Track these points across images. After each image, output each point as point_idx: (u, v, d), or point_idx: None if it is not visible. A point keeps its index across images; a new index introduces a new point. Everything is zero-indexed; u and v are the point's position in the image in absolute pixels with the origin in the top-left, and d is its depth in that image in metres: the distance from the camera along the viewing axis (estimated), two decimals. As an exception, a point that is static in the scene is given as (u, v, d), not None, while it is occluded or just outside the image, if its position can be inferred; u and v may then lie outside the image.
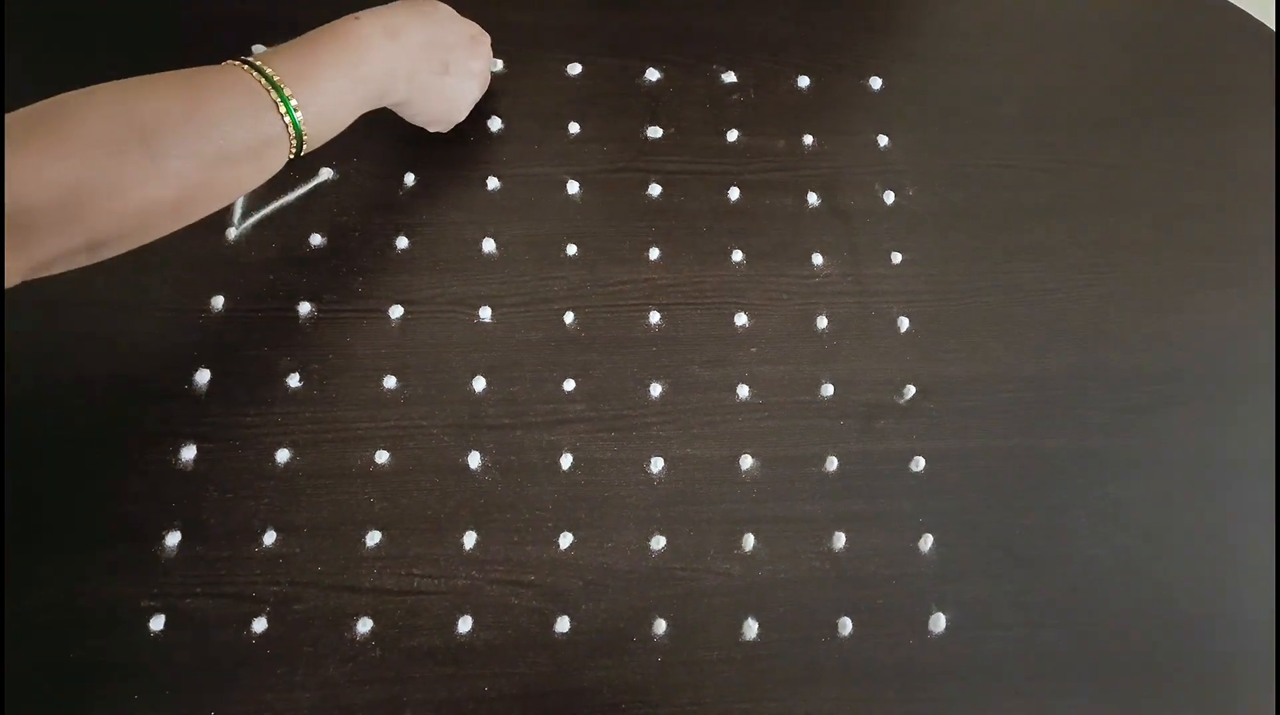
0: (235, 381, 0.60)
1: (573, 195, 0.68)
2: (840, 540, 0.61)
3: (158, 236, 0.49)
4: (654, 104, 0.71)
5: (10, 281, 0.45)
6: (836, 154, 0.71)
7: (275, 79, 0.50)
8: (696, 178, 0.69)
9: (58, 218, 0.44)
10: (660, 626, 0.58)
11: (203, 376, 0.60)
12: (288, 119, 0.51)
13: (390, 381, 0.62)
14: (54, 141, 0.44)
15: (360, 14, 0.57)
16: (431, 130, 0.66)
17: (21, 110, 0.45)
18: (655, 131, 0.70)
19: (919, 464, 0.63)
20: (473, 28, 0.64)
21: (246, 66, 0.50)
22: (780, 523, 0.61)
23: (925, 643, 0.59)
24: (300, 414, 0.60)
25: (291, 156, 0.53)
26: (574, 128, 0.70)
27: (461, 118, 0.66)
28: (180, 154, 0.47)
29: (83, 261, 0.48)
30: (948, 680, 0.59)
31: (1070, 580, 0.61)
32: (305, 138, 0.52)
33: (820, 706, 0.57)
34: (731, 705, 0.57)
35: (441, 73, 0.60)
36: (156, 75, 0.48)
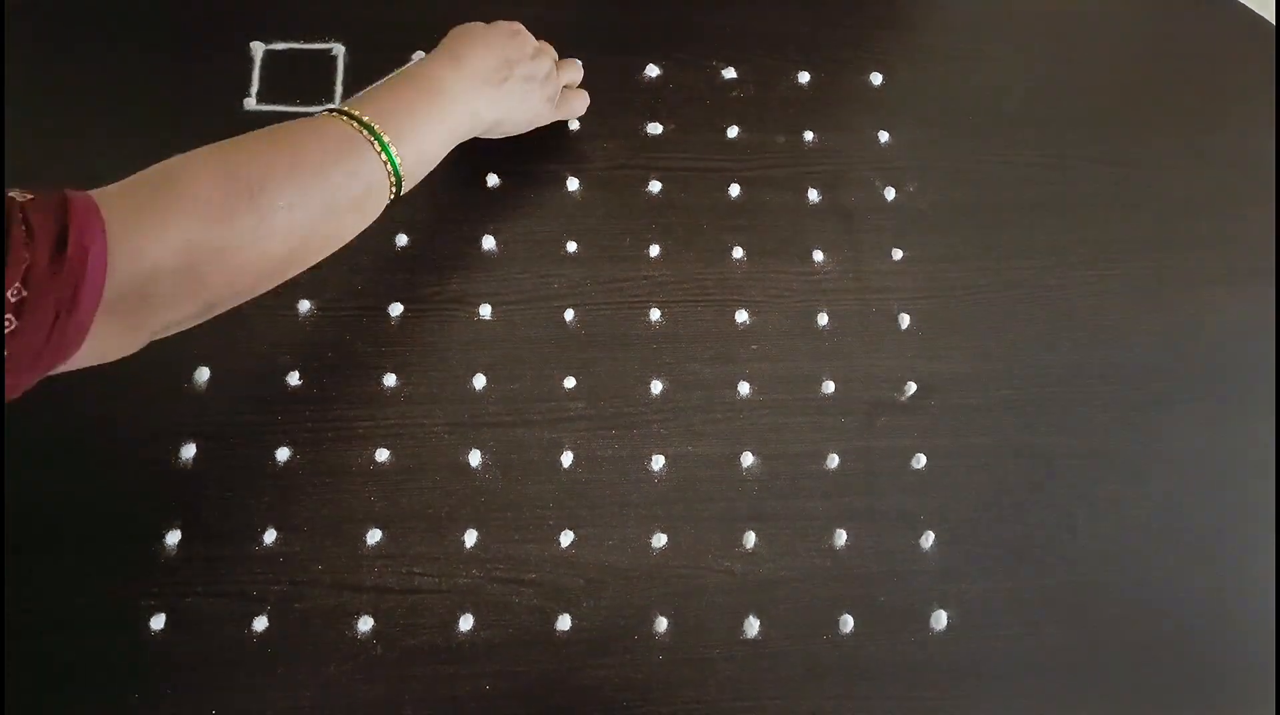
0: (235, 379, 0.60)
1: (573, 192, 0.68)
2: (841, 538, 0.61)
3: (266, 291, 0.50)
4: (654, 100, 0.71)
5: (132, 350, 0.46)
6: (837, 150, 0.71)
7: (371, 124, 0.51)
8: (697, 174, 0.69)
9: (176, 283, 0.44)
10: (661, 624, 0.58)
11: (202, 374, 0.60)
12: (387, 162, 0.52)
13: (390, 379, 0.61)
14: (166, 208, 0.44)
15: (433, 54, 0.59)
16: (504, 135, 0.65)
17: (127, 180, 0.45)
18: (656, 128, 0.70)
19: (920, 461, 0.63)
20: (536, 43, 0.64)
21: (340, 115, 0.51)
22: (781, 520, 0.61)
23: (926, 640, 0.59)
24: (300, 412, 0.60)
25: (390, 199, 0.54)
26: (574, 124, 0.69)
27: (529, 125, 0.65)
28: (288, 206, 0.47)
29: (195, 322, 0.48)
30: (949, 678, 0.59)
31: (1071, 578, 0.61)
32: (404, 179, 0.53)
33: (822, 704, 0.57)
34: (733, 703, 0.57)
35: (501, 83, 0.60)
36: (254, 133, 0.49)
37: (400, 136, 0.52)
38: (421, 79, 0.56)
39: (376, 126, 0.51)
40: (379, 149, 0.51)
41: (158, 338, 0.47)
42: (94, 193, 0.43)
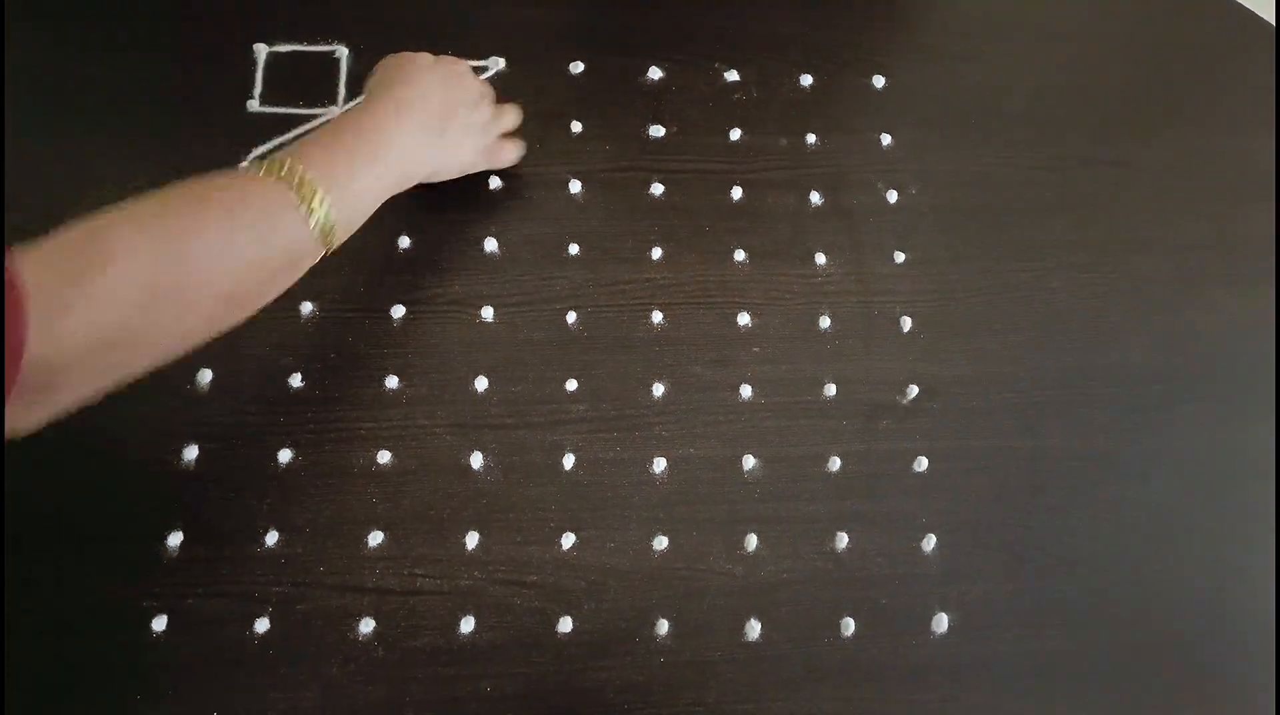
0: (237, 381, 0.60)
1: (575, 194, 0.68)
2: (843, 540, 0.61)
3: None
4: (657, 103, 0.71)
5: (35, 428, 0.42)
6: (839, 153, 0.71)
7: (304, 178, 0.49)
8: (699, 177, 0.69)
9: (93, 369, 0.42)
10: (663, 627, 0.58)
11: (205, 376, 0.60)
12: (320, 218, 0.50)
13: (392, 381, 0.61)
14: (92, 284, 0.41)
15: (376, 96, 0.57)
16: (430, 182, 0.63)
17: (47, 245, 0.41)
18: (658, 130, 0.70)
19: (922, 464, 0.63)
20: (479, 87, 0.63)
21: (274, 167, 0.50)
22: (783, 523, 0.61)
23: (928, 643, 0.59)
24: (302, 414, 0.60)
25: (324, 254, 0.52)
26: (576, 126, 0.69)
27: (459, 173, 0.63)
28: (220, 275, 0.46)
29: (106, 392, 0.45)
30: (950, 680, 0.59)
31: (1072, 580, 0.61)
32: (335, 234, 0.52)
33: (822, 707, 0.57)
34: (734, 705, 0.57)
35: (443, 132, 0.59)
36: (181, 190, 0.47)
37: (335, 189, 0.51)
38: (362, 127, 0.54)
39: (310, 178, 0.50)
40: (314, 204, 0.49)
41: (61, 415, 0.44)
42: (13, 258, 0.39)
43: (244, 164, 0.64)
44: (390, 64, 0.60)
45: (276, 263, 0.49)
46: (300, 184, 0.49)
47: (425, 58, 0.60)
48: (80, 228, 0.43)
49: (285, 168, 0.50)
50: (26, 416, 0.42)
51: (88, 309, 0.41)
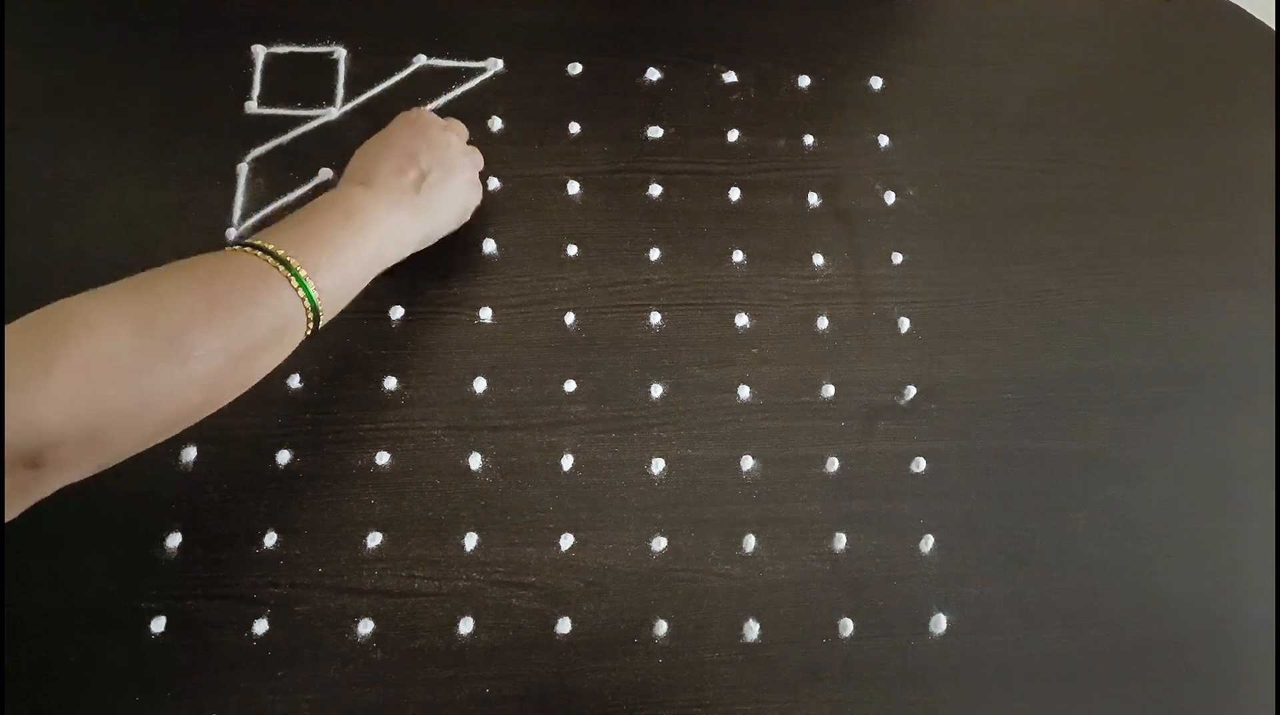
0: (235, 382, 0.60)
1: (573, 195, 0.68)
2: (841, 541, 0.61)
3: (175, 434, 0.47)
4: (655, 104, 0.71)
5: (15, 513, 0.42)
6: (837, 154, 0.71)
7: (286, 258, 0.49)
8: (697, 178, 0.69)
9: (83, 448, 0.41)
10: (661, 628, 0.58)
11: (203, 377, 0.60)
12: (304, 297, 0.49)
13: (391, 382, 0.61)
14: (76, 366, 0.40)
15: (342, 181, 0.56)
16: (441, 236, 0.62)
17: (27, 322, 0.40)
18: (656, 131, 0.70)
19: (920, 465, 0.63)
20: (448, 140, 0.60)
21: (254, 251, 0.49)
22: (781, 524, 0.61)
23: (926, 644, 0.59)
24: (301, 415, 0.60)
25: (309, 333, 0.51)
26: (575, 127, 0.70)
27: (461, 221, 0.63)
28: (207, 354, 0.44)
29: (93, 472, 0.44)
30: (948, 682, 0.59)
31: (1071, 582, 0.61)
32: (322, 312, 0.51)
33: (821, 708, 0.57)
34: (732, 707, 0.57)
35: (418, 190, 0.57)
36: (167, 271, 0.46)
37: (318, 268, 0.50)
38: (336, 204, 0.54)
39: (292, 261, 0.49)
40: (295, 284, 0.49)
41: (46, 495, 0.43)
42: None
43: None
44: (355, 155, 0.59)
45: (262, 341, 0.48)
46: (285, 263, 0.48)
47: (378, 135, 0.59)
48: (61, 303, 0.42)
49: (268, 248, 0.49)
50: (15, 498, 0.41)
51: (69, 378, 0.39)
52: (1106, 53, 0.78)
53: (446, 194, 0.59)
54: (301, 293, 0.49)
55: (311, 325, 0.51)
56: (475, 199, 0.63)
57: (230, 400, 0.49)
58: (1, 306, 0.60)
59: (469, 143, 0.64)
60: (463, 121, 0.65)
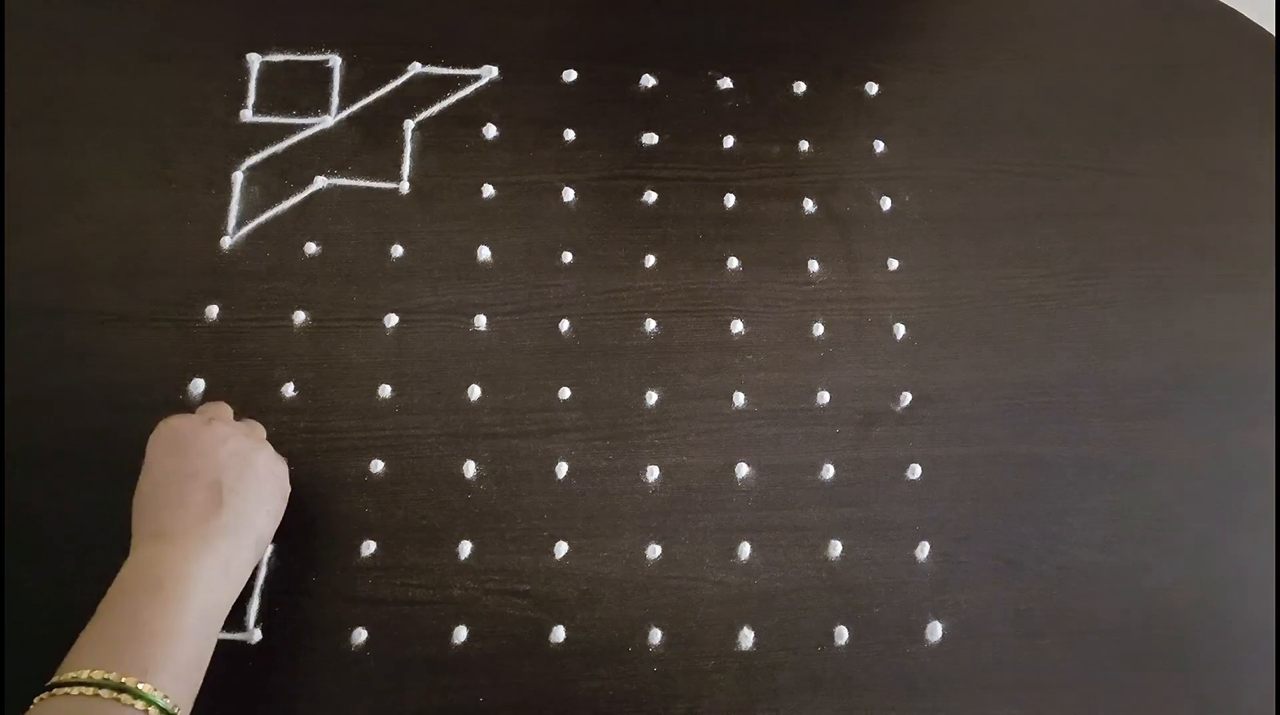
0: (230, 391, 0.60)
1: (568, 202, 0.68)
2: (837, 549, 0.61)
3: None
4: (649, 110, 0.71)
5: None
6: (833, 160, 0.71)
7: (110, 678, 0.42)
8: (692, 184, 0.69)
9: None
10: (656, 636, 0.58)
11: (197, 386, 0.60)
12: (147, 705, 0.42)
13: (385, 390, 0.61)
14: None
15: (131, 548, 0.49)
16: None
17: None
18: (651, 138, 0.70)
19: (916, 472, 0.63)
20: (198, 419, 0.53)
21: (67, 689, 0.42)
22: (776, 531, 0.61)
23: (922, 651, 0.59)
24: (295, 423, 0.60)
25: None
26: (569, 134, 0.69)
27: (284, 498, 0.55)
28: None
29: None
30: (944, 689, 0.58)
31: (1067, 588, 0.61)
32: (178, 708, 0.44)
33: (816, 716, 0.57)
34: (727, 715, 0.57)
35: (220, 503, 0.50)
36: None
37: (149, 668, 0.43)
38: (139, 581, 0.47)
39: (119, 677, 0.42)
40: (133, 698, 0.42)
41: None
42: None
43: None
44: (138, 500, 0.51)
45: None
46: (112, 684, 0.42)
47: (152, 462, 0.51)
48: None
49: (82, 678, 0.42)
50: None
51: None
52: (1103, 57, 0.77)
53: (252, 488, 0.51)
54: (145, 704, 0.42)
55: None
56: (283, 470, 0.55)
57: None
58: (1, 306, 0.60)
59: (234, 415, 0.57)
60: (458, 129, 0.65)
